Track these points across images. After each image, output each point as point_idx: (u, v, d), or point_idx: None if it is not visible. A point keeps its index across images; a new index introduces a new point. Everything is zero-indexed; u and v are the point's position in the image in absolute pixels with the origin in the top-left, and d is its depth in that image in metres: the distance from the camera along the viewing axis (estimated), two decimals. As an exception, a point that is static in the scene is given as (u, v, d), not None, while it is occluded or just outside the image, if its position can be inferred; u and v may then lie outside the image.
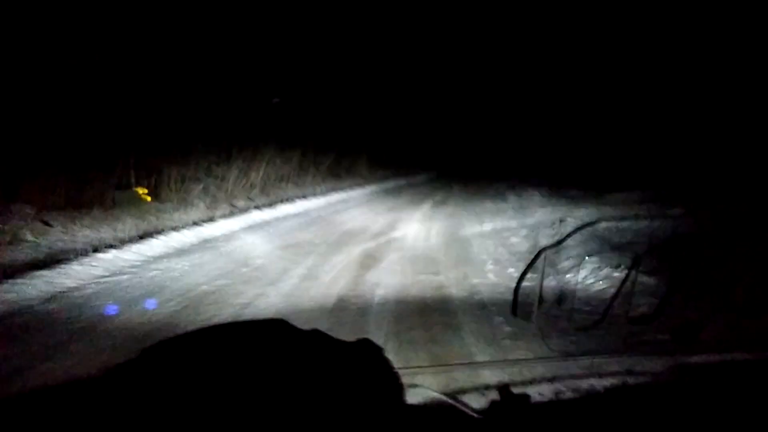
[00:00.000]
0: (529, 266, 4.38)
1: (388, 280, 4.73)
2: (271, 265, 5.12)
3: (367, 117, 16.40)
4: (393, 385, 0.93)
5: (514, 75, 24.46)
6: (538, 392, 2.41)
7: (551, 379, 2.60)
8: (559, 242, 5.32)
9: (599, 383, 2.46)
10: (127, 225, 6.00)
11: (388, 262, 5.51)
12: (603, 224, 6.39)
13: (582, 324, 3.51)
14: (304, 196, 10.26)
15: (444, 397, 1.21)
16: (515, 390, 1.28)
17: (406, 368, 3.00)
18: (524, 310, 3.71)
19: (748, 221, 5.36)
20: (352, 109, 15.21)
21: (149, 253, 5.30)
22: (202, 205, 7.65)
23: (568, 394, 2.40)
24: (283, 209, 8.86)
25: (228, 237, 6.54)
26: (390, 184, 14.82)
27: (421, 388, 1.33)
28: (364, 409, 0.80)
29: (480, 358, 3.08)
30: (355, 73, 15.65)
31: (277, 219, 8.17)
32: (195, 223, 6.73)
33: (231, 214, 7.77)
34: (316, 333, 1.00)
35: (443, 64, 22.75)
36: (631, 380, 2.46)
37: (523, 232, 7.14)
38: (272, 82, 11.54)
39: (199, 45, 9.20)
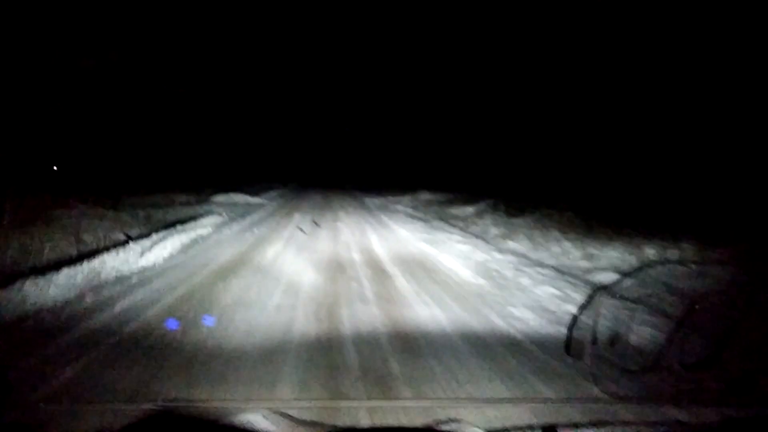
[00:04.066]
0: (585, 305, 4.19)
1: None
2: None
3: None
4: None
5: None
6: None
7: (597, 423, 2.46)
8: (616, 283, 5.05)
9: (647, 431, 2.38)
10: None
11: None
12: (661, 268, 6.06)
13: (634, 368, 3.35)
14: None
15: None
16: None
17: (446, 399, 2.87)
18: (577, 349, 3.62)
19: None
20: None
21: None
22: None
23: None
24: None
25: None
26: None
27: (464, 423, 1.60)
28: None
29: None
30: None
31: None
32: None
33: None
34: None
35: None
36: (680, 430, 2.39)
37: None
38: None
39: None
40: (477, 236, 10.36)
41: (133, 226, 10.27)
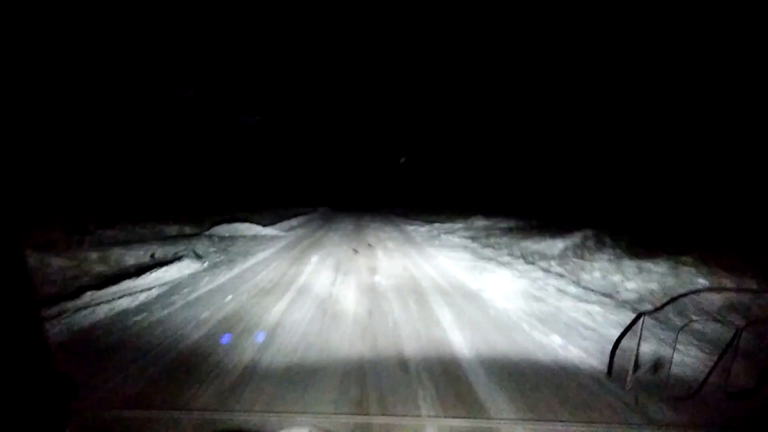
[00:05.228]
0: (627, 329, 3.82)
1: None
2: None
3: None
4: None
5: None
6: None
7: None
8: (659, 308, 4.75)
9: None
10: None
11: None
12: (705, 294, 5.62)
13: (677, 394, 3.21)
14: None
15: None
16: None
17: (492, 419, 2.75)
18: (619, 373, 3.41)
19: None
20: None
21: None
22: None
23: None
24: None
25: None
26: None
27: None
28: None
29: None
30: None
31: None
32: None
33: None
34: None
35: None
36: None
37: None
38: None
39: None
40: (613, 298, 6.04)
41: (46, 283, 6.51)
